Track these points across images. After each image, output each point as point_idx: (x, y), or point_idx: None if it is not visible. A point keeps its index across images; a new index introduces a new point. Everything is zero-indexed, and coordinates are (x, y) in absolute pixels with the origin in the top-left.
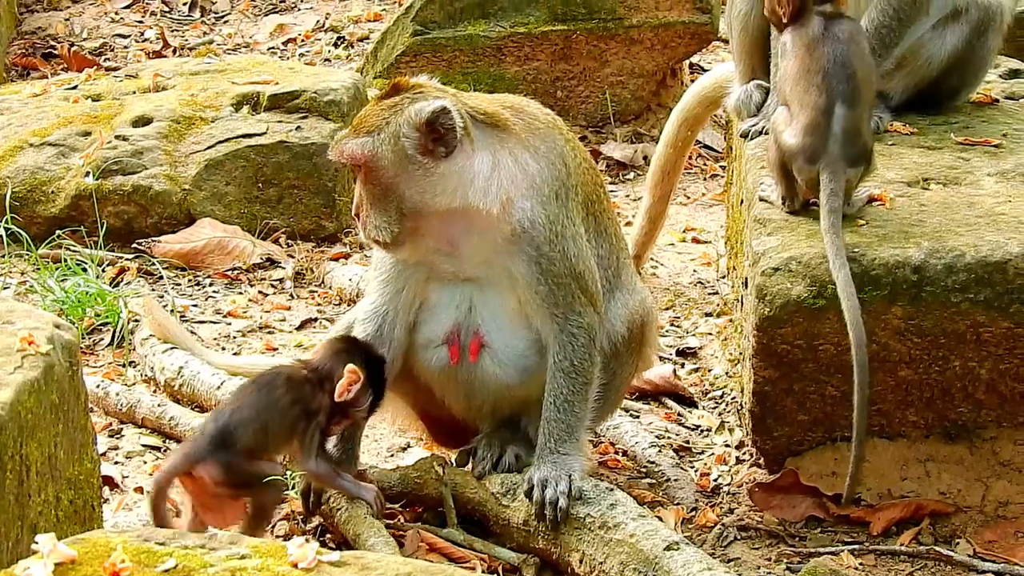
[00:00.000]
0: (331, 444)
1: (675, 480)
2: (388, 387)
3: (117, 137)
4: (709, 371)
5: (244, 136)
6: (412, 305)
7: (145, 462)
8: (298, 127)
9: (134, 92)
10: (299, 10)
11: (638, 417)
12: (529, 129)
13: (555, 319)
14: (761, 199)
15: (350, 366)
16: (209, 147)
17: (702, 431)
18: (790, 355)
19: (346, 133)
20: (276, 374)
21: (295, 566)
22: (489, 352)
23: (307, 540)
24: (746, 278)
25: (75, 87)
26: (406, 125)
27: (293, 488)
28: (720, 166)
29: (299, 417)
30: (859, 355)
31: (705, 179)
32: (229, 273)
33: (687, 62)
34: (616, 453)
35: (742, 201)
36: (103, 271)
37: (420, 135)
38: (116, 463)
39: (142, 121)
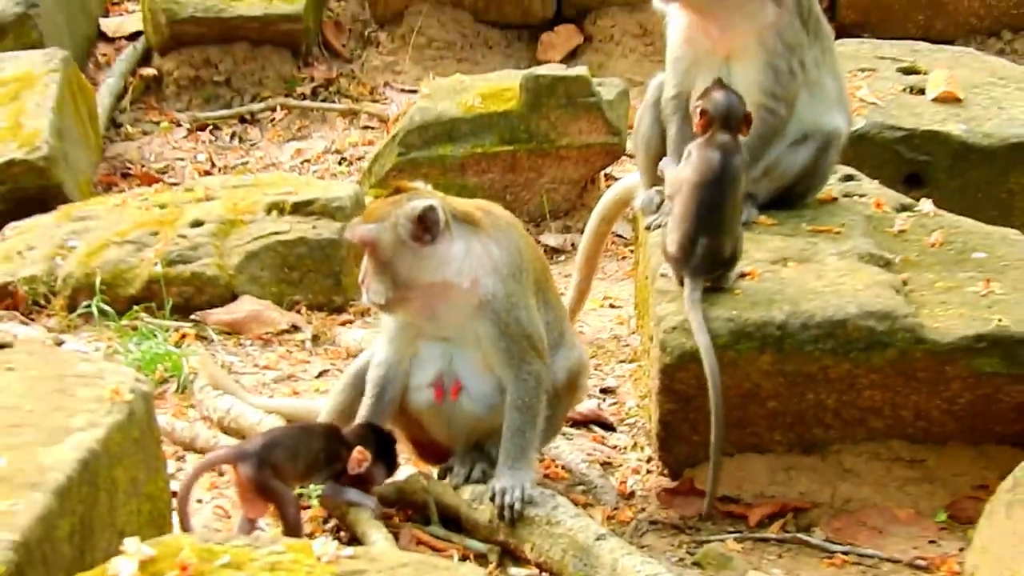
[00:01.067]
0: None
1: (601, 487)
2: (389, 421)
3: (179, 236)
4: (624, 404)
5: (274, 234)
6: (407, 356)
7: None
8: (314, 226)
9: (190, 202)
10: (311, 138)
11: (572, 440)
12: (494, 225)
13: (511, 368)
14: (662, 275)
15: (359, 448)
16: (248, 242)
17: (620, 449)
18: (686, 392)
19: (359, 220)
20: (319, 425)
21: (319, 559)
22: (465, 393)
23: (328, 539)
24: (651, 334)
25: (146, 199)
26: (403, 217)
27: (315, 498)
28: (629, 250)
29: (321, 460)
30: (716, 407)
31: (619, 260)
32: (264, 336)
33: (603, 172)
34: (557, 467)
35: (647, 277)
36: (169, 336)
37: (413, 225)
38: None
39: (197, 223)
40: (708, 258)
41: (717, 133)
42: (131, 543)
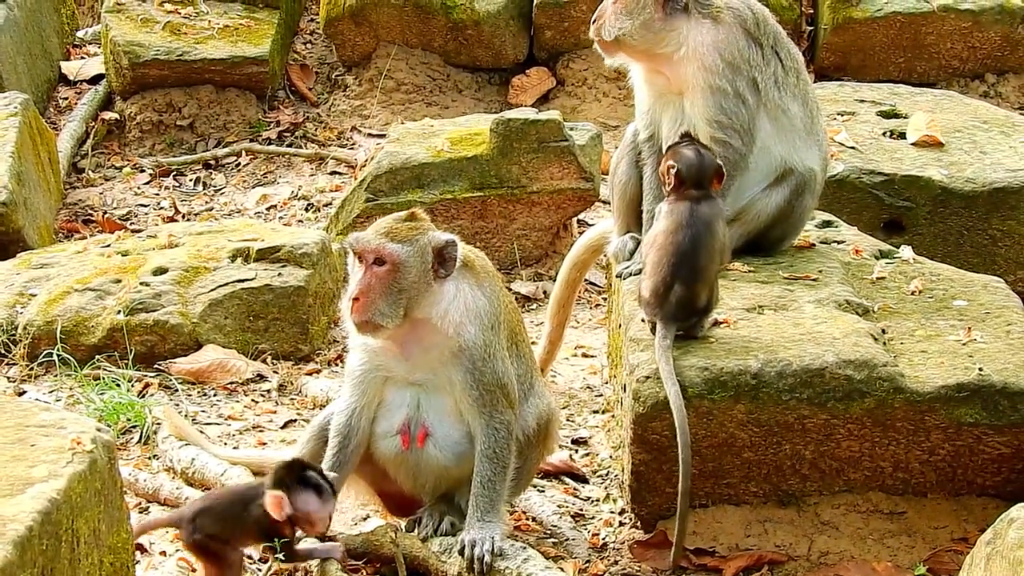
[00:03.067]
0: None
1: (572, 539)
2: (353, 469)
3: (141, 283)
4: (597, 455)
5: (238, 281)
6: (373, 403)
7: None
8: (279, 273)
9: (153, 249)
10: (278, 183)
11: (543, 491)
12: (484, 272)
13: (483, 416)
14: (643, 320)
15: (270, 493)
16: (212, 290)
17: (593, 501)
18: (659, 443)
19: (378, 236)
20: (251, 488)
21: None
22: (432, 440)
23: None
24: (624, 384)
25: (108, 245)
26: (429, 245)
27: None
28: (602, 298)
29: (251, 523)
30: (684, 456)
31: (592, 308)
32: (229, 386)
33: (575, 219)
34: (527, 519)
35: (620, 325)
36: (132, 386)
37: (434, 256)
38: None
39: (160, 271)
40: (682, 306)
41: (690, 190)
42: None
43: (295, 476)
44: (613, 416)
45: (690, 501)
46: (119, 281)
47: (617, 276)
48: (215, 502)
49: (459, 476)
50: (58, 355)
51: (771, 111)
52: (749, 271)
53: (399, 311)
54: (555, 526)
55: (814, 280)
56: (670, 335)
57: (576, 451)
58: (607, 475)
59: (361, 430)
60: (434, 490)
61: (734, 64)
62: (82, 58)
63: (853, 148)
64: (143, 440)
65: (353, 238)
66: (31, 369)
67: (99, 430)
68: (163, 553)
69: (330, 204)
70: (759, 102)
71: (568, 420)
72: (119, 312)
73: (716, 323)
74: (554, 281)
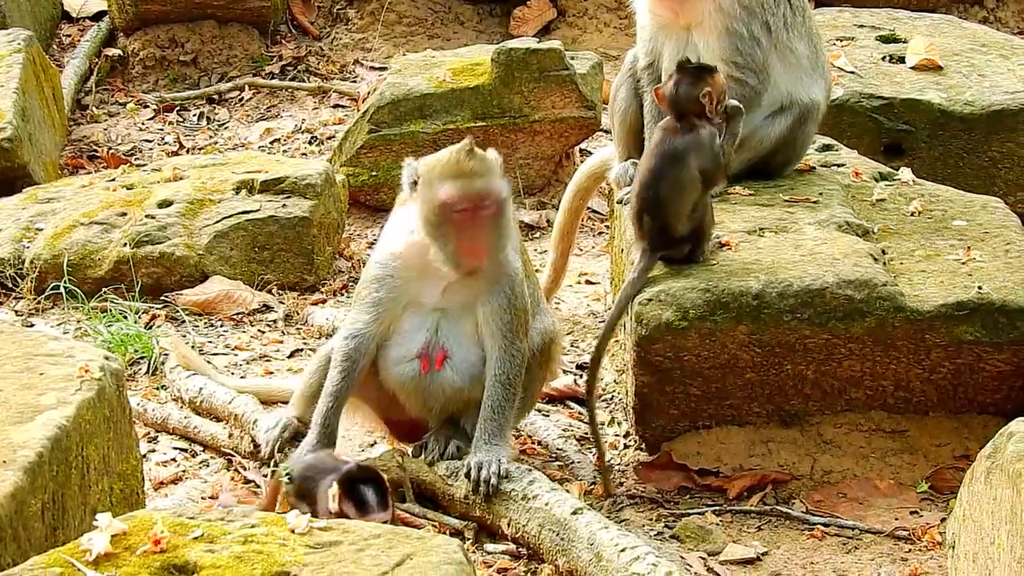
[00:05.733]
0: None
1: (578, 462)
2: (358, 395)
3: (147, 216)
4: (601, 380)
5: (243, 213)
6: (385, 329)
7: (175, 460)
8: (284, 204)
9: (158, 182)
10: (281, 117)
11: (549, 416)
12: None
13: (505, 341)
14: None
15: (334, 486)
16: (217, 222)
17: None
18: (662, 365)
19: (480, 179)
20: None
21: (293, 531)
22: (450, 363)
23: (301, 513)
24: None
25: (113, 179)
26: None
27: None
28: (605, 225)
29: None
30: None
31: (595, 235)
32: (235, 317)
33: (577, 147)
34: (533, 443)
35: (622, 251)
36: (139, 318)
37: None
38: (155, 462)
39: (165, 204)
40: (656, 234)
41: (671, 119)
42: (103, 518)
43: (350, 483)
44: (617, 340)
45: (696, 422)
46: (125, 214)
47: (618, 202)
48: (317, 463)
49: (469, 399)
50: (65, 288)
51: (780, 51)
52: (750, 194)
53: (501, 245)
54: (560, 449)
55: (814, 202)
56: (644, 261)
57: (581, 376)
58: (612, 399)
59: (369, 355)
60: (441, 413)
61: (749, 8)
62: None
63: (853, 73)
64: (151, 371)
65: (459, 192)
66: (39, 303)
67: (107, 358)
68: (174, 482)
69: (333, 137)
70: (771, 43)
71: (572, 346)
72: (125, 245)
73: (721, 245)
74: (557, 210)
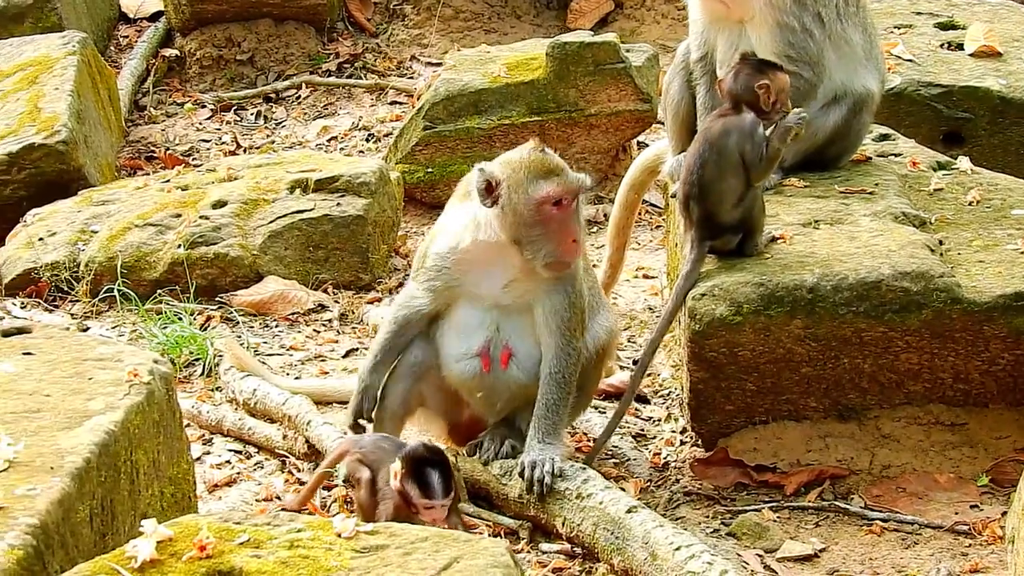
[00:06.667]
0: None
1: (633, 459)
2: (420, 395)
3: (201, 217)
4: (658, 375)
5: (297, 212)
6: (436, 310)
7: (229, 462)
8: (338, 203)
9: (213, 183)
10: (338, 115)
11: (604, 413)
12: None
13: (562, 339)
14: None
15: (397, 462)
16: (271, 221)
17: (654, 421)
18: (716, 360)
19: (565, 173)
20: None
21: (339, 536)
22: (515, 361)
23: (348, 516)
24: None
25: (168, 180)
26: None
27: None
28: (662, 219)
29: None
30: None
31: (652, 229)
32: (290, 317)
33: (634, 141)
34: (588, 441)
35: (676, 244)
36: (194, 319)
37: None
38: (209, 465)
39: (220, 204)
40: (703, 222)
41: (726, 108)
42: (149, 524)
43: (415, 463)
44: (673, 336)
45: (751, 418)
46: (179, 215)
47: (672, 196)
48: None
49: (529, 395)
50: (120, 291)
51: (835, 41)
52: (805, 186)
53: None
54: (616, 446)
55: (870, 193)
56: (694, 252)
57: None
58: (668, 395)
59: (416, 326)
60: (502, 411)
61: (801, 2)
62: None
63: (910, 61)
64: (206, 372)
65: (558, 187)
66: (94, 306)
67: (156, 362)
68: (226, 483)
69: (390, 134)
70: (825, 35)
71: (629, 341)
72: (179, 246)
73: (773, 239)
74: (613, 204)
